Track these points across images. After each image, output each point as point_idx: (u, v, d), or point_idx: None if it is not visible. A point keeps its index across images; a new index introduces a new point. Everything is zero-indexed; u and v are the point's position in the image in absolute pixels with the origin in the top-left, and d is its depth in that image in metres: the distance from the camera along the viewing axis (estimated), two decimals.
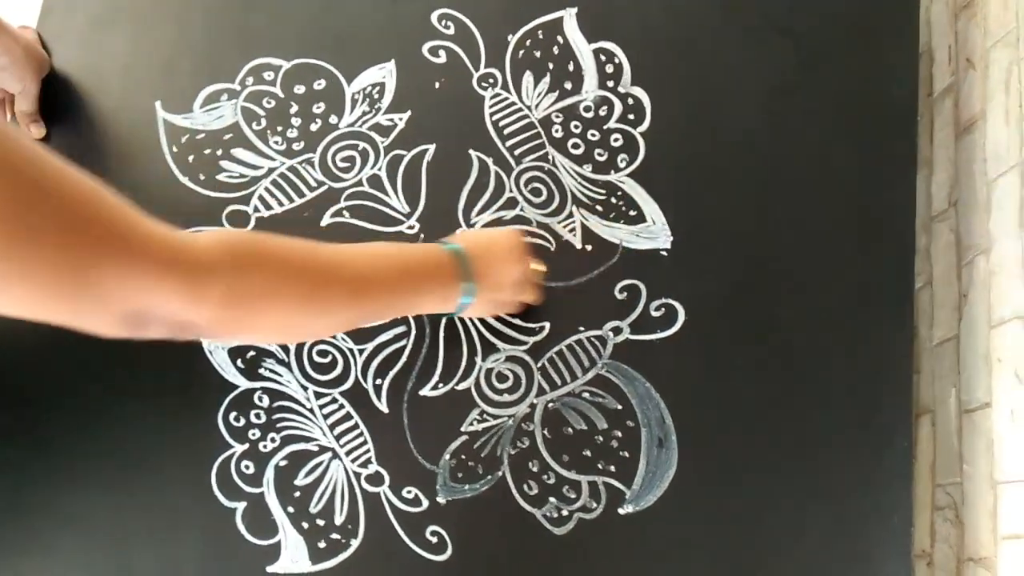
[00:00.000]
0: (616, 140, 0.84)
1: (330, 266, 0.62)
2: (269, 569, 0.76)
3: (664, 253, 0.80)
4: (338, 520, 0.77)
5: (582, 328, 0.79)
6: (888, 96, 0.83)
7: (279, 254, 0.59)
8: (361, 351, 0.80)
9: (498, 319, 0.80)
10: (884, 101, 0.83)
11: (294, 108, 0.87)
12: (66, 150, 0.86)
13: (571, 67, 0.86)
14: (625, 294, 0.80)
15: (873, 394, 0.75)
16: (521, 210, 0.83)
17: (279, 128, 0.86)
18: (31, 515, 0.79)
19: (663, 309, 0.79)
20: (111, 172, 0.86)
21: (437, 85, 0.86)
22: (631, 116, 0.84)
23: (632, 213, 0.82)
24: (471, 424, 0.78)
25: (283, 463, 0.78)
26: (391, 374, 0.80)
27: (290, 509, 0.77)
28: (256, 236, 0.60)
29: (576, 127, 0.84)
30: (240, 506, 0.78)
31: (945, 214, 0.92)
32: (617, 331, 0.79)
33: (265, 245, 0.59)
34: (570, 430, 0.77)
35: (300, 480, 0.78)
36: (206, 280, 0.53)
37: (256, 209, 0.84)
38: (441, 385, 0.79)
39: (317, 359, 0.80)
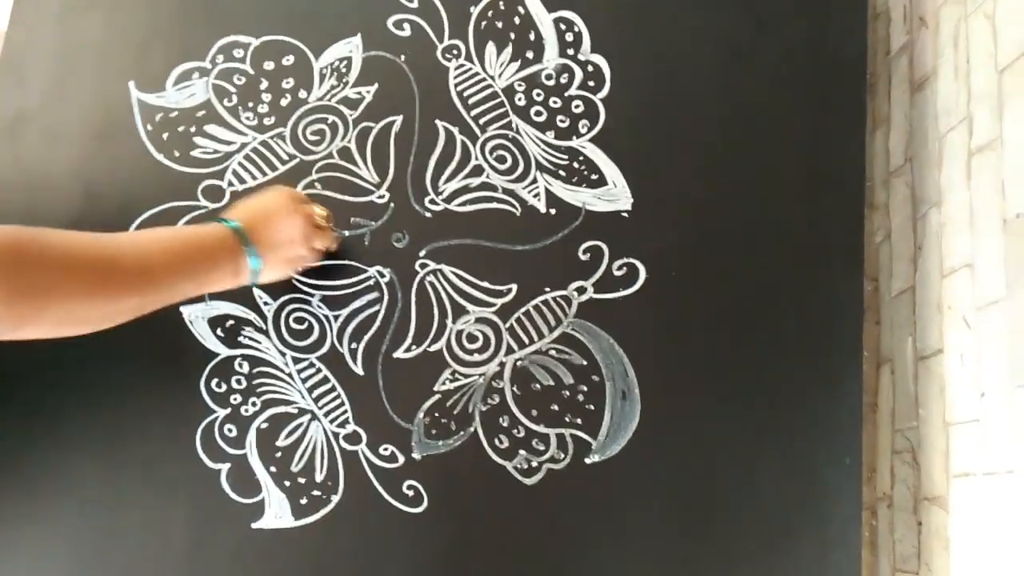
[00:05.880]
0: (577, 107, 0.86)
1: (112, 256, 0.62)
2: (254, 525, 0.80)
3: (625, 215, 0.83)
4: (318, 478, 0.80)
5: (548, 289, 0.82)
6: (839, 56, 0.85)
7: (59, 248, 0.59)
8: (336, 317, 0.83)
9: (467, 283, 0.83)
10: (835, 61, 0.85)
11: (264, 84, 0.89)
12: (44, 130, 0.89)
13: (532, 36, 0.88)
14: (588, 255, 0.83)
15: (825, 341, 0.79)
16: (487, 177, 0.86)
17: (250, 104, 0.89)
18: (27, 481, 0.82)
19: (625, 268, 0.82)
20: (88, 151, 0.89)
21: (403, 58, 0.89)
22: (591, 83, 0.86)
23: (594, 177, 0.84)
24: (443, 383, 0.81)
25: (264, 426, 0.82)
26: (366, 338, 0.83)
27: (272, 469, 0.81)
28: (35, 231, 0.59)
29: (538, 95, 0.87)
30: (224, 467, 0.81)
31: (901, 170, 0.95)
32: (581, 291, 0.82)
33: (45, 240, 0.59)
34: (538, 386, 0.80)
35: (281, 441, 0.81)
36: None
37: (230, 183, 0.87)
38: (414, 347, 0.82)
39: (294, 326, 0.84)
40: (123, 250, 0.64)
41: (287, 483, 0.80)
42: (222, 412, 0.82)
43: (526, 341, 0.82)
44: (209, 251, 0.70)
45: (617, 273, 0.82)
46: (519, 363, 0.81)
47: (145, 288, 0.64)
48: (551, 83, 0.87)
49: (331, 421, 0.81)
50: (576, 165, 0.85)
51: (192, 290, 0.70)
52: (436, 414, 0.81)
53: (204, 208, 0.86)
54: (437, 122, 0.87)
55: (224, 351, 0.84)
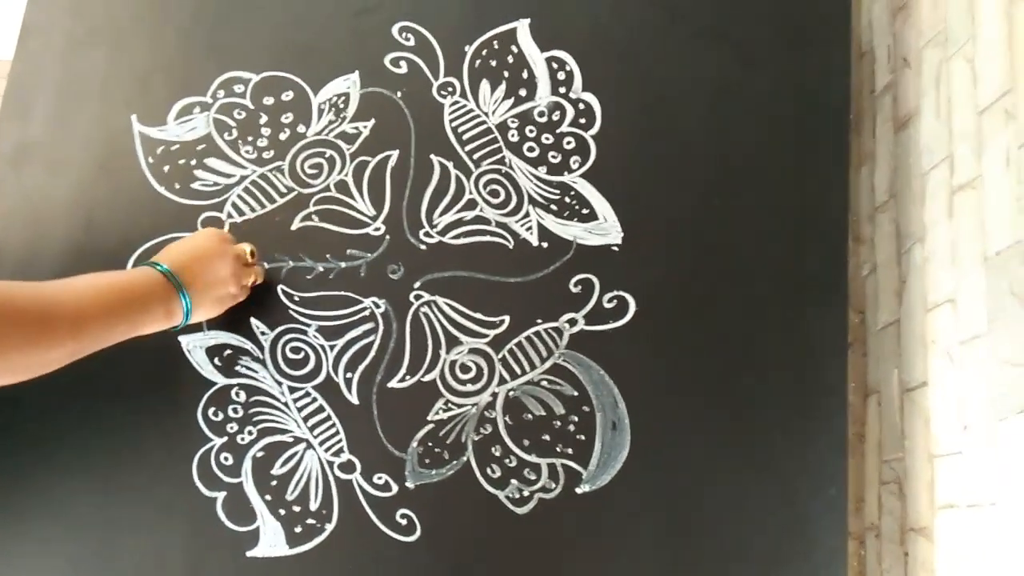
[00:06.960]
0: (569, 143, 0.88)
1: (48, 305, 0.64)
2: (249, 554, 0.81)
3: (615, 248, 0.85)
4: (313, 506, 0.81)
5: (540, 320, 0.84)
6: (823, 95, 0.88)
7: None
8: (332, 347, 0.85)
9: (460, 314, 0.84)
10: (820, 100, 0.88)
11: (263, 119, 0.91)
12: (47, 162, 0.91)
13: (525, 75, 0.90)
14: (579, 288, 0.85)
15: (811, 372, 0.80)
16: (481, 211, 0.87)
17: (250, 138, 0.91)
18: (25, 509, 0.83)
19: (615, 301, 0.84)
20: (90, 183, 0.90)
21: (399, 94, 0.91)
22: (582, 120, 0.89)
23: (585, 211, 0.86)
24: (437, 413, 0.83)
25: (260, 454, 0.83)
26: (361, 368, 0.84)
27: (267, 497, 0.82)
28: None
29: (531, 131, 0.89)
30: (220, 495, 0.82)
31: (886, 205, 0.97)
32: (573, 322, 0.84)
33: None
34: (530, 416, 0.82)
35: (276, 470, 0.82)
36: None
37: (229, 215, 0.89)
38: (408, 377, 0.84)
39: (291, 355, 0.85)
40: (59, 299, 0.65)
41: (282, 511, 0.81)
42: (218, 440, 0.83)
43: (518, 372, 0.83)
44: (141, 295, 0.72)
45: (607, 305, 0.84)
46: (511, 393, 0.83)
47: (80, 335, 0.66)
48: (543, 120, 0.89)
49: (326, 450, 0.82)
50: (567, 200, 0.87)
51: (126, 332, 0.71)
52: (429, 443, 0.82)
53: None
54: (432, 157, 0.89)
55: (221, 380, 0.85)
